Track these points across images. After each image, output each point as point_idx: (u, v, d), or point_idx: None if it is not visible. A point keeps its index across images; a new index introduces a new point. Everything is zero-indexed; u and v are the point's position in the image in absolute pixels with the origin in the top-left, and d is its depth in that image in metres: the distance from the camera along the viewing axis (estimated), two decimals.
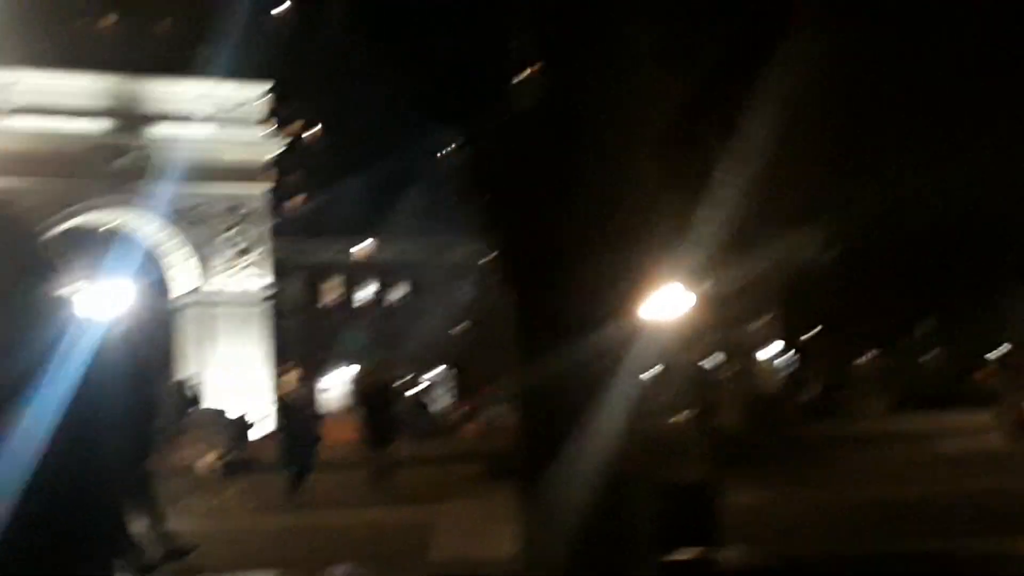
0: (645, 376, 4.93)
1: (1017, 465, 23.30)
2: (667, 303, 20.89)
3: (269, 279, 44.65)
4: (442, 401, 52.78)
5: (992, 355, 35.63)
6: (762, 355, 43.31)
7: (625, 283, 4.69)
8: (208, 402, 34.98)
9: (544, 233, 4.66)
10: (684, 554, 6.19)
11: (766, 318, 37.06)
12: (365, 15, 5.01)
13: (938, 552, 9.53)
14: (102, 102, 42.58)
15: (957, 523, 13.20)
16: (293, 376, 18.23)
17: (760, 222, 23.24)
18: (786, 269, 27.00)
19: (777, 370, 42.76)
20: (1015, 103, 21.32)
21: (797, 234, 25.34)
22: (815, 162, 22.08)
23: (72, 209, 42.30)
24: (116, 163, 41.88)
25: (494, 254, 4.96)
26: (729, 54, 5.92)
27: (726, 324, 28.35)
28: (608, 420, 4.42)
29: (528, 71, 4.75)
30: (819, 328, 39.45)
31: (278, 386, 18.35)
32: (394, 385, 20.83)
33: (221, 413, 31.20)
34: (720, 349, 30.93)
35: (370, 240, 67.10)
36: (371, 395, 18.82)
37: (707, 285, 26.12)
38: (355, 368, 43.43)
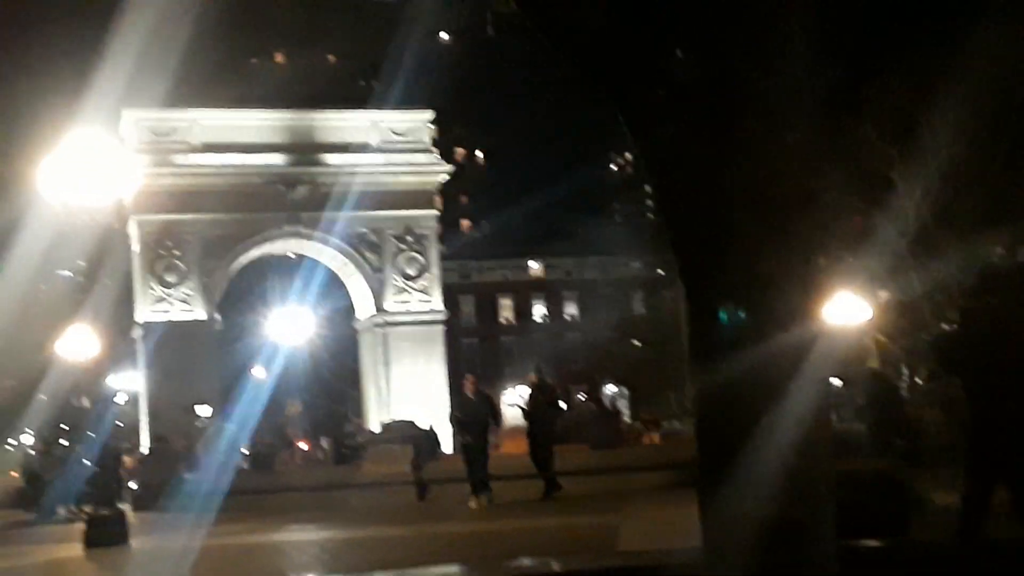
0: (827, 381, 4.80)
1: None
2: (845, 310, 20.20)
3: (440, 301, 45.47)
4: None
5: None
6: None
7: (803, 287, 4.58)
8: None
9: (713, 208, 4.60)
10: (870, 543, 5.88)
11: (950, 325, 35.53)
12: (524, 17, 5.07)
13: None
14: (277, 137, 44.13)
15: None
16: (469, 385, 18.46)
17: (942, 226, 22.28)
18: (970, 275, 25.81)
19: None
20: None
21: (981, 237, 24.16)
22: (999, 161, 21.10)
23: (256, 239, 44.00)
24: (294, 194, 43.31)
25: (670, 252, 4.92)
26: (902, 47, 5.71)
27: (910, 331, 27.31)
28: (790, 421, 4.35)
29: (685, 43, 4.68)
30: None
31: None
32: (559, 403, 20.87)
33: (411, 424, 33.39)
34: (905, 356, 29.88)
35: (537, 261, 67.60)
36: (536, 411, 18.84)
37: (885, 294, 25.23)
38: (524, 386, 44.02)
